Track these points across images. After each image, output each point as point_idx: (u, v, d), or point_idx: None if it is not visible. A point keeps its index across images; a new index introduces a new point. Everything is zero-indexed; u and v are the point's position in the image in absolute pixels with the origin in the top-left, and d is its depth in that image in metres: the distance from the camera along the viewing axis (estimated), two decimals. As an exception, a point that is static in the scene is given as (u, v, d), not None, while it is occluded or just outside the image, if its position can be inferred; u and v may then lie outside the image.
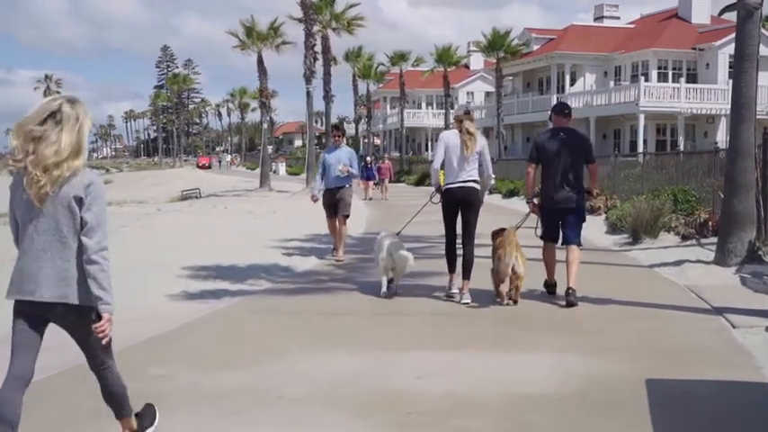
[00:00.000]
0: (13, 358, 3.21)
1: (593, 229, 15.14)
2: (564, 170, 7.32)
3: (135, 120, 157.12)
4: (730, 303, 7.14)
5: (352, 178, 10.62)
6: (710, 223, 11.71)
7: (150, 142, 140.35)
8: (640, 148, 32.18)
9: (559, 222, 7.44)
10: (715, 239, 10.60)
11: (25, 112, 3.21)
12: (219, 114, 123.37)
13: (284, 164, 68.52)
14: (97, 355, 3.34)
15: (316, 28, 32.44)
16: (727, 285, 8.30)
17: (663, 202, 13.27)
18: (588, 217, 17.14)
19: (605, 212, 16.61)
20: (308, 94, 29.96)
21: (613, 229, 14.24)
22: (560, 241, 7.53)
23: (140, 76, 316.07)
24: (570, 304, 7.00)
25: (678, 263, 9.82)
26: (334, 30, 34.71)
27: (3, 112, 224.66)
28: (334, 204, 10.50)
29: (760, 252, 9.29)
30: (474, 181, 7.37)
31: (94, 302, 3.16)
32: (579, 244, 7.40)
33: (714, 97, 34.64)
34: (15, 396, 3.15)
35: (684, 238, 11.91)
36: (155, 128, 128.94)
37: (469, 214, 7.42)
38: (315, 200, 10.77)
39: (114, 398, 3.48)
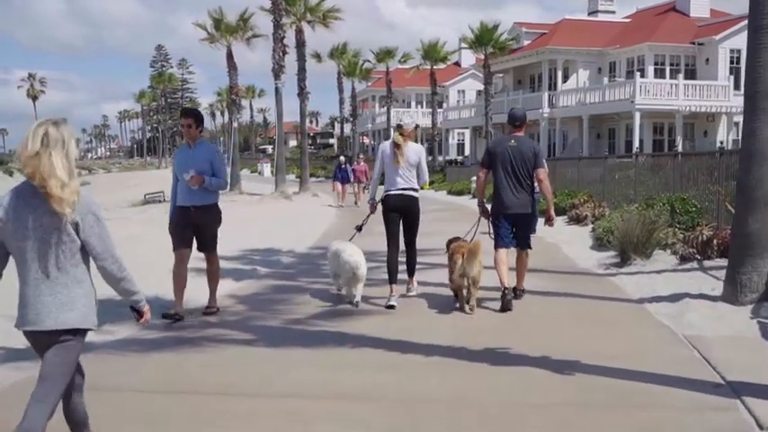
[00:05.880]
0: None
1: (577, 243, 12.96)
2: (515, 176, 7.47)
3: (129, 120, 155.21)
4: (750, 373, 4.96)
5: (215, 189, 7.24)
6: (715, 241, 9.50)
7: (144, 142, 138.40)
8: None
9: (512, 228, 7.60)
10: (721, 262, 8.50)
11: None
12: (213, 114, 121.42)
13: (269, 165, 66.31)
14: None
15: (287, 20, 30.22)
16: (742, 337, 6.10)
17: (658, 213, 11.10)
18: (573, 228, 15.18)
19: (592, 223, 14.38)
20: (277, 90, 27.62)
21: (599, 243, 12.01)
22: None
23: (138, 75, 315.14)
24: (508, 306, 7.17)
25: (675, 297, 7.62)
26: (309, 23, 32.49)
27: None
28: (186, 230, 7.09)
29: (783, 286, 7.10)
30: (412, 189, 7.66)
31: (133, 304, 3.37)
32: (529, 248, 7.73)
33: (714, 94, 32.92)
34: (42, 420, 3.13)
35: (683, 259, 9.69)
36: (149, 128, 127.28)
37: (410, 220, 7.73)
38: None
39: (76, 415, 3.42)
